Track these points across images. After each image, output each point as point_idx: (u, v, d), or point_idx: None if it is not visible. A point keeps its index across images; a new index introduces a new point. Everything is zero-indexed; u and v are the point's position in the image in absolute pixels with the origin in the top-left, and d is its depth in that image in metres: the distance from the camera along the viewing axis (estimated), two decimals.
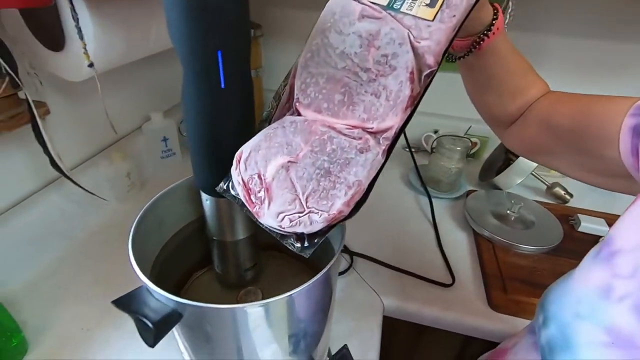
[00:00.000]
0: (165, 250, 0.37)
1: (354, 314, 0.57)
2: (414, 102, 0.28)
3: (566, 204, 0.85)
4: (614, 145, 0.34)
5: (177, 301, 0.26)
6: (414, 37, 0.27)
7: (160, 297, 0.27)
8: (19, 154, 0.58)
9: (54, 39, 0.47)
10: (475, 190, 0.85)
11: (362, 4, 0.28)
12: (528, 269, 0.65)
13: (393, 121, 0.28)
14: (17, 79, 0.46)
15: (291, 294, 0.27)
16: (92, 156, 0.73)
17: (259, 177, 0.28)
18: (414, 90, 0.28)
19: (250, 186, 0.29)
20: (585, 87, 0.91)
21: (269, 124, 0.32)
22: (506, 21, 0.61)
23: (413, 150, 0.96)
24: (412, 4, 0.28)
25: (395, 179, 0.92)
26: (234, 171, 0.30)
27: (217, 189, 0.32)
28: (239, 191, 0.29)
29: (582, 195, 0.87)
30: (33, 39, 0.48)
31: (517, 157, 0.82)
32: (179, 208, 0.39)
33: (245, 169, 0.29)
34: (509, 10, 0.61)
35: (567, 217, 0.78)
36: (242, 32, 0.29)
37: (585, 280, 0.31)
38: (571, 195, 0.85)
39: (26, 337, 0.49)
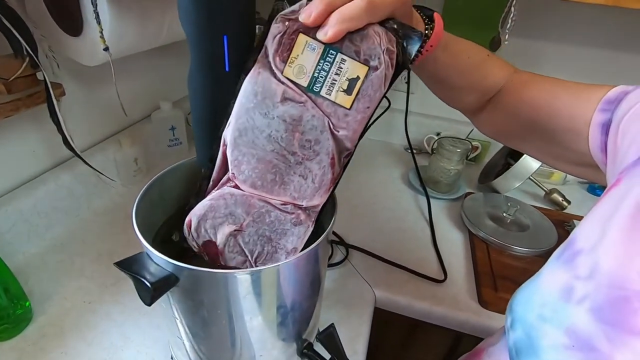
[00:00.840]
0: (165, 226, 0.40)
1: (346, 303, 0.58)
2: (336, 182, 0.33)
3: (563, 211, 0.85)
4: (584, 139, 0.35)
5: (174, 264, 0.28)
6: (333, 125, 0.30)
7: (160, 261, 0.29)
8: (34, 133, 0.61)
9: (73, 25, 0.50)
10: (474, 193, 0.87)
11: (283, 84, 0.29)
12: (520, 269, 0.66)
13: (319, 200, 0.33)
14: (36, 60, 0.49)
15: (280, 264, 0.29)
16: (102, 140, 0.76)
17: (211, 242, 0.33)
18: (334, 172, 0.32)
19: (206, 251, 0.34)
20: None
21: (208, 182, 0.35)
22: (508, 27, 0.63)
23: (414, 151, 0.98)
24: (331, 89, 0.29)
25: (395, 178, 0.93)
26: (187, 237, 0.34)
27: (173, 237, 0.36)
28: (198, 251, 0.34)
29: (580, 203, 0.88)
30: (53, 24, 0.51)
31: (516, 161, 0.83)
32: (181, 186, 0.41)
33: (198, 236, 0.34)
34: (511, 16, 0.63)
35: (563, 222, 0.79)
36: (248, 20, 0.31)
37: (549, 282, 0.30)
38: (569, 202, 0.85)
39: (32, 305, 0.51)
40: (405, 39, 0.29)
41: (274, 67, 0.29)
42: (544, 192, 0.89)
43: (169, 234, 0.37)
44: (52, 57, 0.54)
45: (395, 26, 0.29)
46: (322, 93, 0.29)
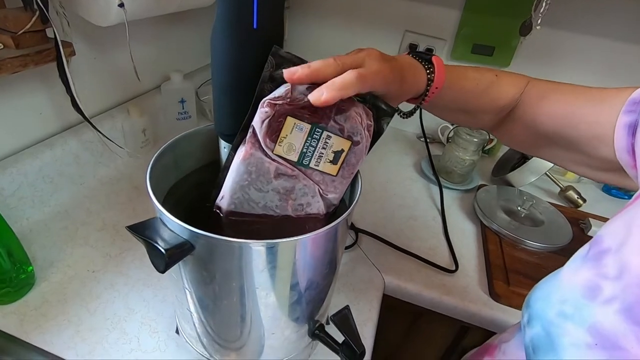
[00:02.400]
0: (178, 191, 0.38)
1: (355, 287, 0.57)
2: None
3: (578, 208, 0.83)
4: (608, 143, 0.34)
5: (190, 230, 0.26)
6: (322, 190, 0.34)
7: (174, 227, 0.27)
8: (42, 93, 0.59)
9: None
10: (487, 185, 0.84)
11: (275, 161, 0.31)
12: (533, 265, 0.64)
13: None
14: (47, 15, 0.46)
15: (299, 238, 0.27)
16: (111, 108, 0.74)
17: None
18: (323, 223, 0.34)
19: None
20: None
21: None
22: (542, 10, 0.60)
23: (428, 140, 0.95)
24: (319, 161, 0.32)
25: (407, 166, 0.91)
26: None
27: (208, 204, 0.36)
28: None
29: (595, 202, 0.86)
30: None
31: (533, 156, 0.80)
32: (197, 153, 0.39)
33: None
34: (541, 10, 0.60)
35: (578, 220, 0.77)
36: None
37: (572, 279, 0.29)
38: (584, 200, 0.83)
39: (35, 271, 0.50)
40: (382, 114, 0.34)
41: (264, 147, 0.31)
42: (559, 189, 0.86)
43: (180, 201, 0.35)
44: (63, 14, 0.51)
45: (374, 103, 0.33)
46: (311, 165, 0.33)
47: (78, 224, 0.60)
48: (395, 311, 0.64)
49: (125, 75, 0.73)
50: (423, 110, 0.95)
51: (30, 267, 0.49)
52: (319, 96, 0.27)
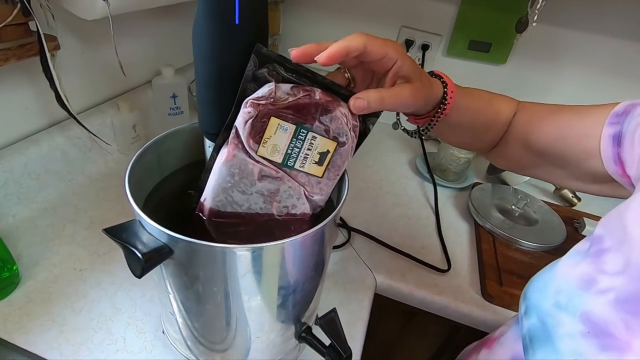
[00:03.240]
0: (161, 191, 0.37)
1: (346, 286, 0.56)
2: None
3: (573, 207, 0.83)
4: (596, 155, 0.35)
5: (168, 234, 0.25)
6: (308, 192, 0.33)
7: (153, 231, 0.26)
8: (27, 88, 0.57)
9: None
10: (481, 183, 0.84)
11: (259, 163, 0.31)
12: (526, 264, 0.64)
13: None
14: (29, 7, 0.45)
15: (285, 242, 0.26)
16: (100, 103, 0.72)
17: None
18: (309, 225, 0.35)
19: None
20: (607, 88, 0.88)
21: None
22: (539, 6, 0.59)
23: (423, 137, 0.94)
24: (304, 162, 0.32)
25: (401, 164, 0.90)
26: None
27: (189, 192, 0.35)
28: None
29: (590, 201, 0.85)
30: None
31: None
32: (181, 152, 0.38)
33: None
34: (538, 6, 0.59)
35: (572, 219, 0.76)
36: None
37: (569, 272, 0.30)
38: (579, 199, 0.83)
39: (20, 270, 0.49)
40: (367, 115, 0.33)
41: (247, 148, 0.30)
42: (554, 188, 0.86)
43: (163, 202, 0.34)
44: (47, 7, 0.50)
45: None
46: (296, 166, 0.32)
47: (65, 221, 0.59)
48: (388, 310, 0.63)
49: (115, 69, 0.71)
50: None
51: (15, 266, 0.48)
52: (324, 55, 0.29)
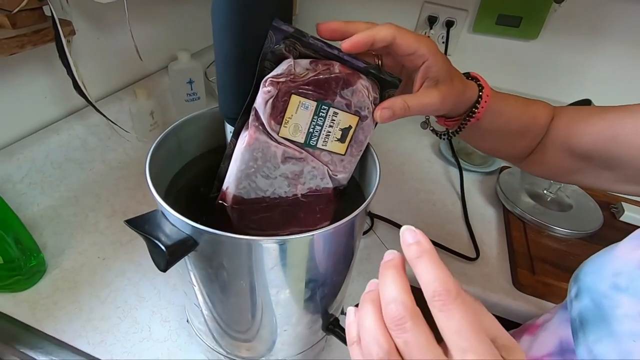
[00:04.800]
0: (182, 179, 0.35)
1: (372, 275, 0.55)
2: (335, 212, 0.34)
3: (610, 192, 0.78)
4: None
5: (193, 226, 0.24)
6: (331, 171, 0.32)
7: (176, 222, 0.25)
8: (44, 76, 0.57)
9: None
10: (510, 167, 0.80)
11: (282, 145, 0.30)
12: (560, 252, 0.61)
13: (325, 222, 0.33)
14: None
15: (314, 233, 0.25)
16: (117, 90, 0.71)
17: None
18: (335, 203, 0.34)
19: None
20: None
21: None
22: None
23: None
24: (326, 140, 0.31)
25: (424, 147, 0.87)
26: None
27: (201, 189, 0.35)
28: None
29: None
30: None
31: None
32: (201, 138, 0.37)
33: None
34: None
35: (609, 204, 0.72)
36: None
37: (630, 255, 0.29)
38: None
39: (45, 258, 0.49)
40: (386, 86, 0.31)
41: (269, 130, 0.29)
42: None
43: (185, 190, 0.33)
44: None
45: (376, 75, 0.30)
46: (319, 145, 0.31)
47: (87, 210, 0.59)
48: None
49: (131, 55, 0.70)
50: None
51: (41, 254, 0.49)
52: (349, 43, 0.28)
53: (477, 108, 0.35)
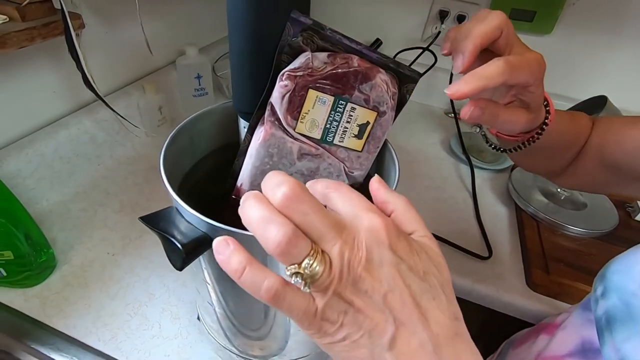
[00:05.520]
0: (195, 175, 0.35)
1: None
2: None
3: None
4: None
5: (210, 224, 0.23)
6: (347, 168, 0.32)
7: (192, 219, 0.24)
8: (53, 70, 0.56)
9: None
10: None
11: (298, 140, 0.29)
12: (574, 252, 0.60)
13: None
14: None
15: None
16: (126, 85, 0.71)
17: None
18: None
19: None
20: None
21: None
22: None
23: (457, 116, 0.89)
24: (343, 136, 0.30)
25: (434, 144, 0.86)
26: None
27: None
28: None
29: None
30: None
31: None
32: (214, 133, 0.36)
33: None
34: None
35: (625, 203, 0.70)
36: None
37: None
38: None
39: (55, 254, 0.49)
40: (405, 80, 0.30)
41: (285, 125, 0.28)
42: None
43: (198, 186, 0.32)
44: None
45: (395, 69, 0.29)
46: (336, 141, 0.30)
47: (96, 205, 0.58)
48: None
49: (139, 50, 0.70)
50: (451, 83, 0.88)
51: (51, 250, 0.48)
52: (456, 90, 0.25)
53: (543, 130, 0.34)
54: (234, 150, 0.32)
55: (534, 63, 0.27)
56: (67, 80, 0.58)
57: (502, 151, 0.39)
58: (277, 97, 0.27)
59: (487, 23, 0.26)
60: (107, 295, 0.47)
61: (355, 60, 0.28)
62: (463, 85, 0.25)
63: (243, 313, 0.32)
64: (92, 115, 0.62)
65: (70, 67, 0.52)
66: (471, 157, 0.78)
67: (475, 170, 0.76)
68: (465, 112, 0.27)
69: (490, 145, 0.40)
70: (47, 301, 0.45)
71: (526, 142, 0.35)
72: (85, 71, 0.50)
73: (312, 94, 0.27)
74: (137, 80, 0.73)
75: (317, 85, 0.27)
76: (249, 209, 0.18)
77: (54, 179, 0.58)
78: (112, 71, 0.68)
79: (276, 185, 0.18)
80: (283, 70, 0.27)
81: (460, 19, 0.88)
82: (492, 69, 0.25)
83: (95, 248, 0.52)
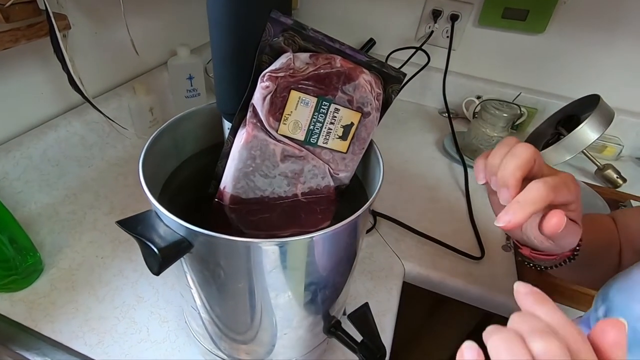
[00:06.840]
0: (179, 177, 0.34)
1: (373, 275, 0.54)
2: (336, 212, 0.33)
3: (617, 189, 0.77)
4: None
5: (188, 228, 0.23)
6: (332, 169, 0.31)
7: (170, 223, 0.24)
8: (40, 72, 0.56)
9: None
10: None
11: (281, 142, 0.28)
12: None
13: (326, 223, 0.32)
14: None
15: (315, 235, 0.23)
16: (115, 87, 0.70)
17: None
18: (335, 203, 0.33)
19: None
20: None
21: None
22: None
23: (451, 115, 0.89)
24: (327, 137, 0.29)
25: (428, 144, 0.85)
26: None
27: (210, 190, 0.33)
28: None
29: (636, 181, 0.79)
30: None
31: (569, 131, 0.73)
32: (198, 135, 0.36)
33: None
34: None
35: (618, 202, 0.70)
36: None
37: None
38: (624, 180, 0.76)
39: (42, 257, 0.49)
40: (390, 81, 0.30)
41: (267, 127, 0.28)
42: (596, 168, 0.79)
43: (182, 189, 0.32)
44: None
45: (381, 68, 0.29)
46: (320, 143, 0.30)
47: (86, 208, 0.58)
48: (416, 299, 0.60)
49: (130, 51, 0.69)
50: (445, 83, 0.88)
51: (38, 253, 0.48)
52: (508, 220, 0.25)
53: (577, 250, 0.34)
54: (220, 151, 0.32)
55: (570, 181, 0.28)
56: (56, 82, 0.58)
57: (546, 269, 0.39)
58: (259, 98, 0.27)
59: (521, 157, 0.26)
60: (95, 298, 0.46)
61: (338, 61, 0.27)
62: (513, 216, 0.25)
63: (227, 317, 0.31)
64: (82, 116, 0.61)
65: (59, 68, 0.52)
66: (465, 157, 0.78)
67: (469, 170, 0.75)
68: (552, 223, 0.26)
69: (529, 264, 0.40)
70: (33, 305, 0.45)
71: (572, 256, 0.35)
72: (72, 72, 0.49)
73: (294, 95, 0.27)
74: (128, 81, 0.73)
75: (300, 86, 0.27)
76: (499, 351, 0.17)
77: (42, 182, 0.57)
78: (103, 72, 0.67)
79: (539, 332, 0.17)
80: (264, 71, 0.26)
81: (454, 18, 0.88)
82: (536, 194, 0.25)
83: (84, 251, 0.52)
